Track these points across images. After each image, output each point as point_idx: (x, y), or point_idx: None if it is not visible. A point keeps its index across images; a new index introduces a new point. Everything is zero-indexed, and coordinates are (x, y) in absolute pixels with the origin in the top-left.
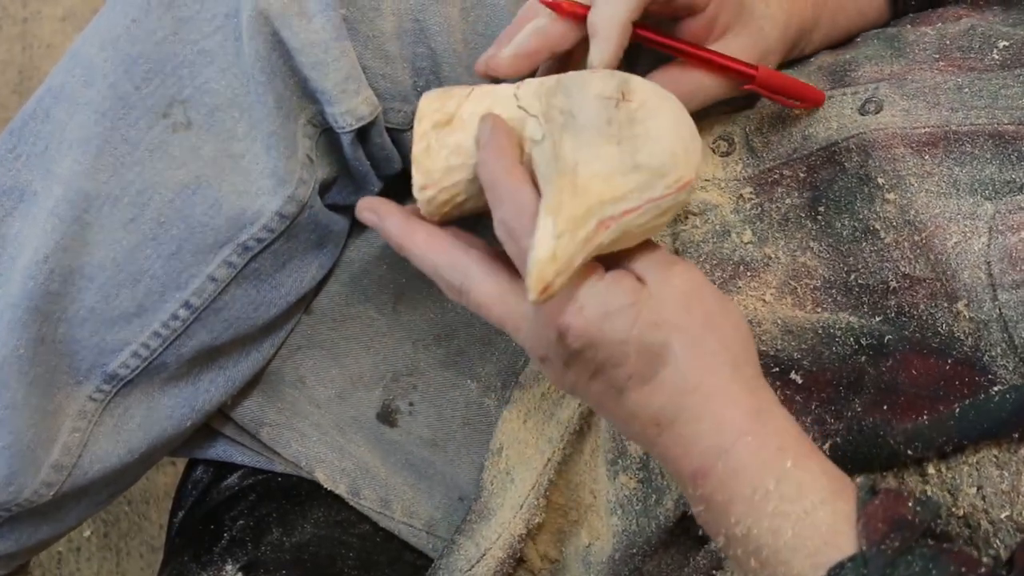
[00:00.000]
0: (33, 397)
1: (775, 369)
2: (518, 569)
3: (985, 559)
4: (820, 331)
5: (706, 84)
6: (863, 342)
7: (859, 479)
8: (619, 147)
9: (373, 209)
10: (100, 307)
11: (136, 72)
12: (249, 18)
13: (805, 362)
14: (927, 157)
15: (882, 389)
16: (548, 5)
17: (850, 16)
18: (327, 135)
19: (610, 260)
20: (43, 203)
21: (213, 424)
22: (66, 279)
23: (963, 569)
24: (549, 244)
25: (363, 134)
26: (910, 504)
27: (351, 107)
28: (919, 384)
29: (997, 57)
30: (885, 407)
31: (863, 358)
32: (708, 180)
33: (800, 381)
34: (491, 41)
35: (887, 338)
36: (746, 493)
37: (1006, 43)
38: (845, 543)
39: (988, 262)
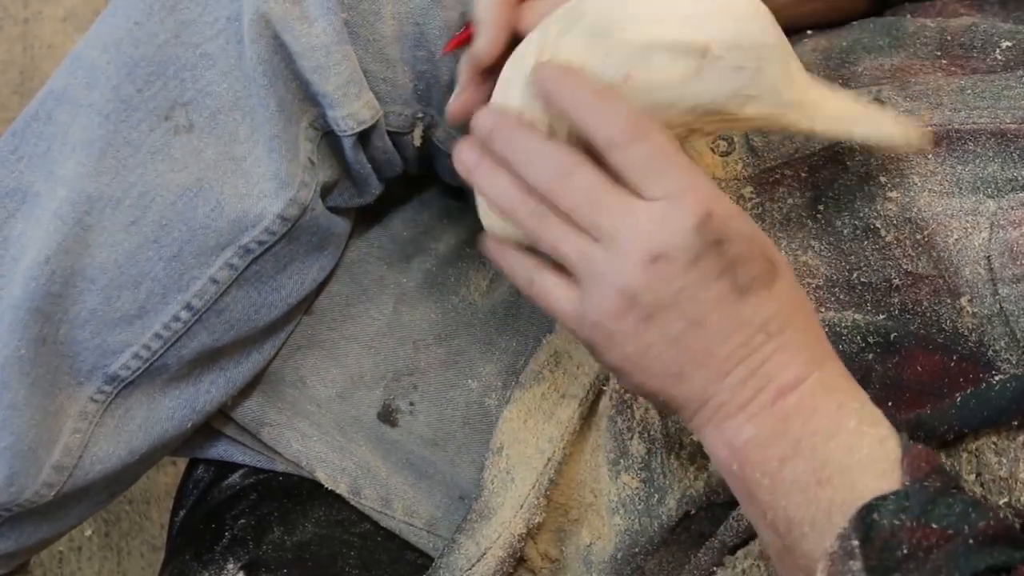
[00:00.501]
0: (34, 398)
1: None
2: (519, 568)
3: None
4: (826, 329)
5: None
6: (870, 340)
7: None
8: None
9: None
10: (102, 309)
11: (138, 75)
12: (251, 21)
13: None
14: (930, 156)
15: (887, 385)
16: (452, 47)
17: None
18: (328, 138)
19: None
20: (46, 205)
21: (214, 424)
22: (68, 281)
23: (1001, 515)
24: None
25: (364, 137)
26: (942, 457)
27: (352, 111)
28: (924, 380)
29: (1000, 57)
30: (890, 403)
31: (870, 355)
32: None
33: None
34: None
35: (893, 335)
36: (833, 405)
37: (1008, 43)
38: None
39: (988, 256)
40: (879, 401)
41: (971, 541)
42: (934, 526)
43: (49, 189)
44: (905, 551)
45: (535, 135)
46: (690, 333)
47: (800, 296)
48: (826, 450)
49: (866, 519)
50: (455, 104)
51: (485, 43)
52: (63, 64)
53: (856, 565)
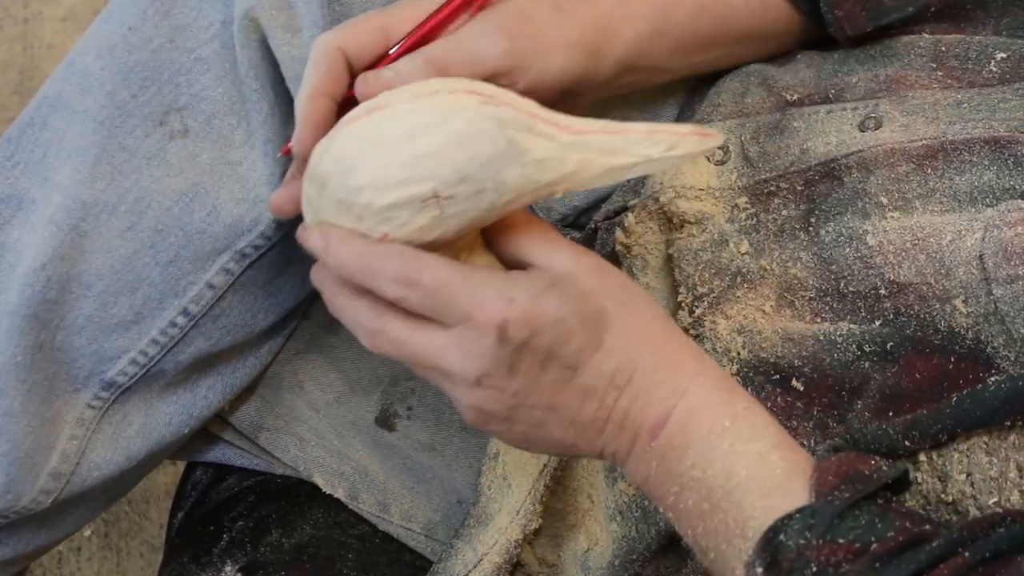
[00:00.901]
0: (31, 404)
1: (776, 376)
2: (516, 573)
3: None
4: (822, 338)
5: (451, 48)
6: (866, 348)
7: (826, 442)
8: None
9: (283, 202)
10: (98, 315)
11: (133, 80)
12: (239, 26)
13: (806, 369)
14: (929, 171)
15: (886, 395)
16: (284, 153)
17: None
18: None
19: (510, 260)
20: (41, 211)
21: (212, 428)
22: (64, 287)
23: (907, 524)
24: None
25: None
26: (872, 463)
27: None
28: (922, 387)
29: (995, 70)
30: (891, 413)
31: (866, 364)
32: (702, 189)
33: (801, 388)
34: None
35: (889, 344)
36: (703, 433)
37: (1003, 55)
38: (797, 490)
39: (981, 256)
40: (878, 411)
41: (879, 555)
42: (841, 541)
43: (45, 195)
44: (814, 569)
45: (346, 307)
46: (550, 417)
47: (644, 331)
48: (706, 479)
49: (772, 541)
50: (275, 198)
51: (297, 144)
52: (58, 69)
53: None
